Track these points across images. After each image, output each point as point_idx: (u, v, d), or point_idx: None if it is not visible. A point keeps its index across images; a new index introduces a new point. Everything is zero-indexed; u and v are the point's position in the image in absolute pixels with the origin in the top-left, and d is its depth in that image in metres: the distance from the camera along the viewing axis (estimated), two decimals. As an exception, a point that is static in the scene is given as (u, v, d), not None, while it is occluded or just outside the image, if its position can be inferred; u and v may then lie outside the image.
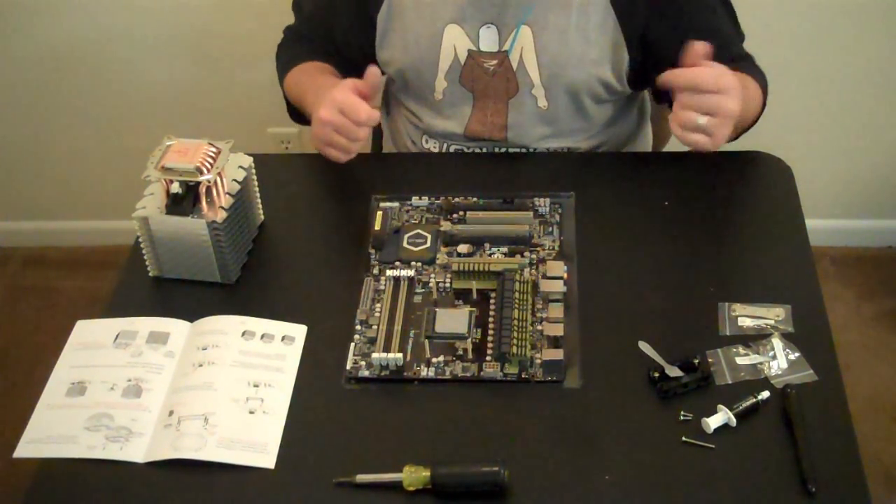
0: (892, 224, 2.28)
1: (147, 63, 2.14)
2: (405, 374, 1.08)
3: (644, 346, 1.07)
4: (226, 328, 1.13)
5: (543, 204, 1.25)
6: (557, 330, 1.10)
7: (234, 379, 1.08)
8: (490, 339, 1.10)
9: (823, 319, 1.11)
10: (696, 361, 1.04)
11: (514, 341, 1.07)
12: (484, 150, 1.40)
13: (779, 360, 1.06)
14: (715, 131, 1.15)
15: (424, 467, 0.97)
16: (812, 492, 0.94)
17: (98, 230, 2.39)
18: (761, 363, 1.06)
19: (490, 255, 1.20)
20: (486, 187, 1.29)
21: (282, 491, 0.99)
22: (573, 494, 0.97)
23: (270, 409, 1.06)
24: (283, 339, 1.13)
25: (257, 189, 1.26)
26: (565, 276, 1.16)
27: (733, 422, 1.00)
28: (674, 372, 1.04)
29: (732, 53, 1.32)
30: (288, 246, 1.28)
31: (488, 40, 1.30)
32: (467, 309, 1.13)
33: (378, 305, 1.15)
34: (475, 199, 1.27)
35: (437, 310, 1.13)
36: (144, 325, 1.15)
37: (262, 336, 1.13)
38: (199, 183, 1.14)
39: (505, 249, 1.20)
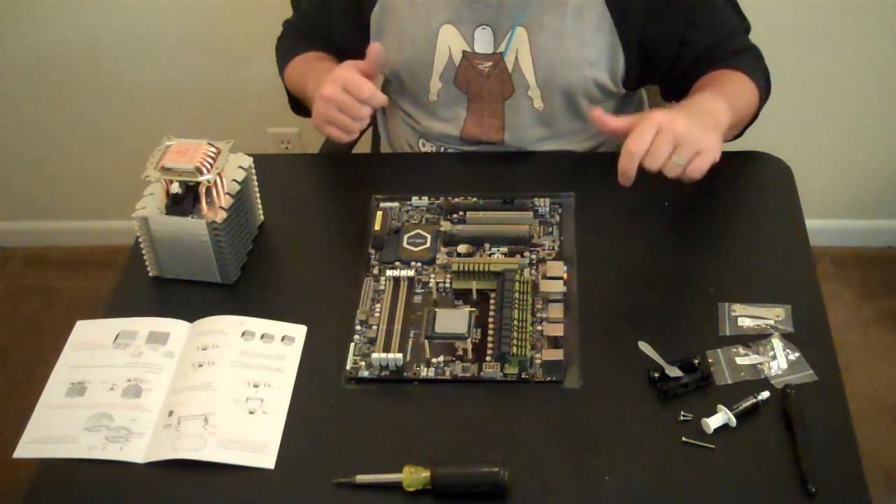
0: (892, 224, 2.28)
1: (147, 63, 2.14)
2: (405, 374, 1.08)
3: (644, 346, 1.07)
4: (225, 328, 1.13)
5: (543, 204, 1.25)
6: (557, 330, 1.10)
7: (233, 379, 1.08)
8: (490, 339, 1.10)
9: (823, 319, 1.11)
10: (696, 361, 1.04)
11: (514, 341, 1.07)
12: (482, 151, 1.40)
13: (779, 361, 1.06)
14: (695, 162, 1.11)
15: (424, 468, 0.97)
16: (812, 492, 0.94)
17: (98, 230, 2.38)
18: (761, 363, 1.06)
19: (490, 255, 1.20)
20: (485, 187, 1.29)
21: (282, 491, 1.00)
22: (573, 494, 0.97)
23: (270, 410, 1.06)
24: (282, 339, 1.13)
25: (257, 189, 1.26)
26: (565, 276, 1.16)
27: (733, 422, 1.00)
28: (674, 372, 1.04)
29: (731, 47, 1.32)
30: (288, 246, 1.28)
31: (483, 42, 1.30)
32: (467, 309, 1.13)
33: (378, 305, 1.15)
34: (475, 199, 1.27)
35: (437, 310, 1.13)
36: (144, 325, 1.15)
37: (262, 336, 1.13)
38: (198, 183, 1.14)
39: (505, 249, 1.20)
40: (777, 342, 1.08)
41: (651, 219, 1.25)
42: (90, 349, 1.13)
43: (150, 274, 1.22)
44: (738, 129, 1.32)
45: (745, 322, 1.10)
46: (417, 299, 1.16)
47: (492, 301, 1.14)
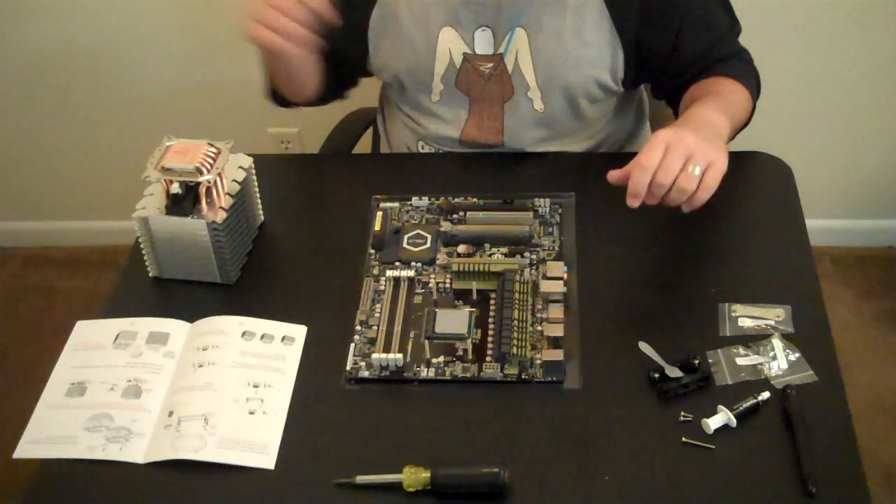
0: (892, 224, 2.28)
1: (147, 63, 2.14)
2: (405, 374, 1.08)
3: (644, 347, 1.07)
4: (226, 329, 1.13)
5: (543, 204, 1.25)
6: (557, 330, 1.10)
7: (233, 379, 1.08)
8: (490, 339, 1.10)
9: (823, 319, 1.11)
10: (696, 362, 1.04)
11: (515, 342, 1.07)
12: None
13: (779, 361, 1.06)
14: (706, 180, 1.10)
15: (424, 468, 0.97)
16: (812, 492, 0.94)
17: (98, 230, 2.38)
18: (761, 363, 1.06)
19: (490, 255, 1.20)
20: (486, 188, 1.29)
21: (282, 491, 0.99)
22: (573, 494, 0.97)
23: (270, 410, 1.06)
24: (282, 339, 1.13)
25: (257, 189, 1.26)
26: (565, 276, 1.16)
27: (733, 422, 1.00)
28: (674, 372, 1.04)
29: (724, 51, 1.32)
30: (288, 246, 1.28)
31: (483, 43, 1.30)
32: (467, 309, 1.13)
33: (378, 306, 1.15)
34: (475, 199, 1.27)
35: (437, 310, 1.13)
36: (144, 325, 1.15)
37: (262, 336, 1.13)
38: (199, 183, 1.14)
39: (505, 250, 1.20)
40: (777, 342, 1.08)
41: (651, 219, 1.24)
42: (90, 349, 1.13)
43: (150, 274, 1.22)
44: (733, 137, 1.32)
45: (745, 322, 1.10)
46: (417, 300, 1.16)
47: (492, 301, 1.14)
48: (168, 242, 1.18)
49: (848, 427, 1.00)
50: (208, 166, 1.14)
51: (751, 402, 1.01)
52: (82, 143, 2.28)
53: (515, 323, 1.09)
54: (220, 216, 1.16)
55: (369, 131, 1.67)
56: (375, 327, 1.13)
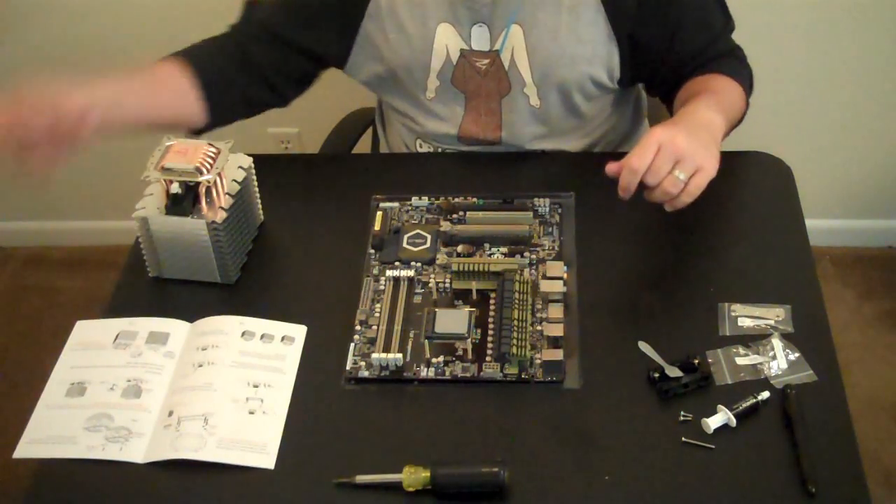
0: (892, 224, 2.28)
1: (147, 63, 2.14)
2: (405, 374, 1.08)
3: (644, 346, 1.07)
4: (225, 328, 1.13)
5: (543, 204, 1.25)
6: (557, 330, 1.10)
7: (233, 379, 1.08)
8: (490, 339, 1.10)
9: (823, 319, 1.11)
10: (696, 361, 1.04)
11: (514, 342, 1.07)
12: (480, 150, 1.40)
13: (779, 361, 1.06)
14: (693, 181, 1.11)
15: (424, 468, 0.97)
16: (812, 492, 0.94)
17: (98, 230, 2.38)
18: (761, 363, 1.06)
19: (490, 255, 1.20)
20: (485, 187, 1.29)
21: (282, 491, 1.00)
22: (573, 494, 0.97)
23: (270, 410, 1.06)
24: (282, 339, 1.13)
25: (257, 189, 1.26)
26: (565, 276, 1.16)
27: (733, 422, 1.00)
28: (674, 372, 1.04)
29: (718, 49, 1.32)
30: (288, 246, 1.28)
31: (480, 39, 1.30)
32: (467, 309, 1.13)
33: (378, 306, 1.15)
34: (475, 199, 1.27)
35: (436, 310, 1.13)
36: (144, 325, 1.15)
37: (262, 336, 1.13)
38: (198, 183, 1.14)
39: (505, 250, 1.20)
40: (777, 342, 1.08)
41: (651, 219, 1.24)
42: (90, 349, 1.13)
43: (150, 274, 1.22)
44: (727, 135, 1.32)
45: (745, 322, 1.10)
46: (417, 299, 1.16)
47: (492, 301, 1.14)
48: (168, 242, 1.18)
49: (848, 427, 1.00)
50: (208, 166, 1.14)
51: (750, 401, 1.01)
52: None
53: (515, 323, 1.09)
54: (220, 216, 1.16)
55: (369, 131, 1.67)
56: (375, 327, 1.13)
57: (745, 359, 1.06)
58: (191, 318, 1.16)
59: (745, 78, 1.33)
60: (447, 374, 1.08)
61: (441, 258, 1.20)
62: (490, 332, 1.10)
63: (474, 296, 1.15)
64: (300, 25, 1.34)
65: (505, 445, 1.01)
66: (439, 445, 1.02)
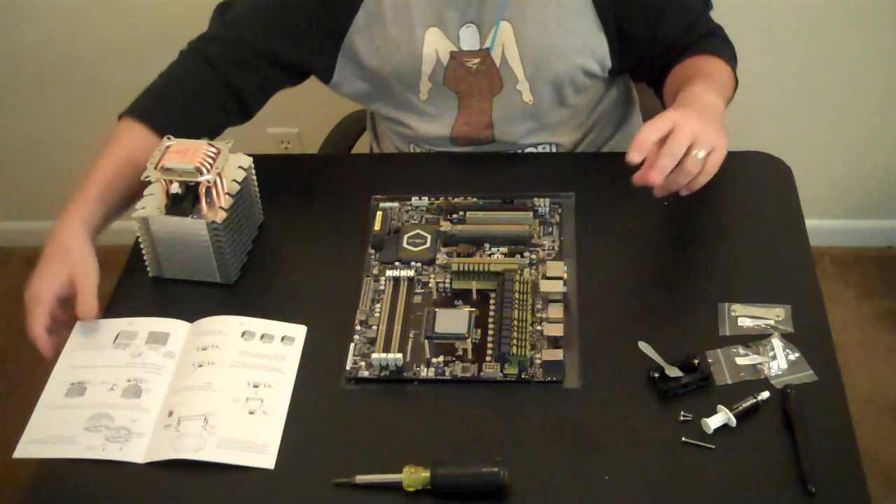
0: (892, 224, 2.28)
1: (147, 62, 2.14)
2: (405, 374, 1.08)
3: (644, 346, 1.07)
4: (225, 328, 1.13)
5: (543, 204, 1.25)
6: (557, 330, 1.10)
7: (233, 379, 1.08)
8: (490, 339, 1.10)
9: (823, 319, 1.11)
10: (696, 361, 1.04)
11: (514, 342, 1.07)
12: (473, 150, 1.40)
13: (779, 361, 1.06)
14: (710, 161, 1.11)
15: (424, 468, 0.97)
16: (812, 492, 0.94)
17: (98, 230, 2.38)
18: (761, 363, 1.06)
19: (490, 255, 1.20)
20: (485, 187, 1.29)
21: (282, 491, 0.99)
22: (573, 494, 0.97)
23: (270, 410, 1.06)
24: (282, 339, 1.13)
25: (257, 189, 1.26)
26: (565, 276, 1.16)
27: (733, 422, 1.00)
28: (674, 372, 1.04)
29: (700, 31, 1.33)
30: (288, 246, 1.28)
31: (469, 40, 1.30)
32: (467, 309, 1.13)
33: (378, 306, 1.15)
34: (475, 199, 1.27)
35: (436, 310, 1.13)
36: (144, 325, 1.15)
37: (262, 336, 1.13)
38: (198, 183, 1.14)
39: (505, 250, 1.20)
40: (777, 342, 1.08)
41: (651, 219, 1.25)
42: (90, 349, 1.13)
43: (150, 274, 1.22)
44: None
45: (745, 322, 1.10)
46: (417, 299, 1.16)
47: (492, 301, 1.14)
48: (168, 242, 1.18)
49: (848, 427, 1.00)
50: (208, 166, 1.14)
51: (750, 401, 1.01)
52: (82, 143, 2.27)
53: (515, 323, 1.09)
54: (220, 216, 1.16)
55: (365, 134, 1.66)
56: (375, 327, 1.13)
57: (745, 359, 1.06)
58: (191, 318, 1.16)
59: (730, 56, 1.34)
60: (447, 374, 1.07)
61: (441, 258, 1.20)
62: (490, 332, 1.10)
63: (474, 296, 1.15)
64: (285, 39, 1.31)
65: (505, 445, 1.01)
66: (439, 445, 1.02)
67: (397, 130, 1.44)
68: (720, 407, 1.01)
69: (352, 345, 1.11)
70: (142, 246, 1.20)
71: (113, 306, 1.19)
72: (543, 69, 1.31)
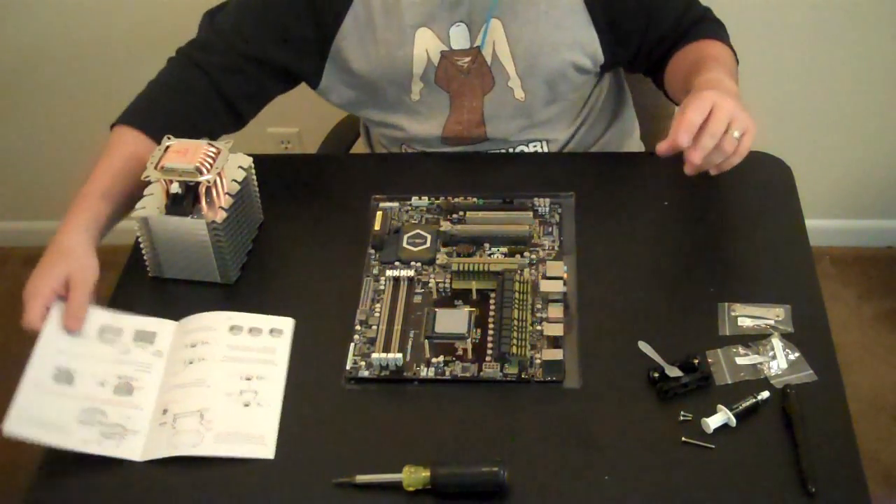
0: (892, 224, 2.28)
1: (147, 63, 2.13)
2: (405, 374, 1.08)
3: (644, 346, 1.07)
4: (213, 324, 1.13)
5: (543, 204, 1.25)
6: (557, 330, 1.10)
7: (225, 373, 1.08)
8: (490, 339, 1.10)
9: (823, 319, 1.11)
10: (696, 361, 1.04)
11: (514, 341, 1.07)
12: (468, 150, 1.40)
13: (779, 360, 1.06)
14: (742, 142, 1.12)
15: (424, 467, 0.97)
16: (812, 492, 0.94)
17: (98, 230, 2.38)
18: (761, 363, 1.06)
19: (490, 255, 1.20)
20: (485, 187, 1.29)
21: (282, 491, 0.99)
22: (573, 494, 0.97)
23: (265, 401, 1.06)
24: (271, 331, 1.13)
25: (257, 189, 1.26)
26: (565, 276, 1.16)
27: (733, 422, 1.00)
28: (674, 372, 1.04)
29: (693, 17, 1.33)
30: (288, 246, 1.28)
31: (459, 39, 1.30)
32: (467, 309, 1.13)
33: (378, 305, 1.15)
34: (475, 199, 1.27)
35: (436, 310, 1.13)
36: (129, 322, 1.13)
37: (251, 330, 1.13)
38: (198, 183, 1.14)
39: (505, 249, 1.20)
40: (777, 342, 1.08)
41: (651, 219, 1.25)
42: (74, 335, 1.11)
43: (150, 274, 1.22)
44: None
45: (745, 322, 1.10)
46: (417, 299, 1.16)
47: (492, 301, 1.14)
48: (168, 242, 1.18)
49: (848, 427, 1.00)
50: (208, 166, 1.14)
51: (750, 401, 1.01)
52: (82, 143, 2.27)
53: (515, 322, 1.09)
54: (220, 216, 1.16)
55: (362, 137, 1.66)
56: (375, 327, 1.13)
57: (745, 359, 1.06)
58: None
59: (727, 39, 1.34)
60: (447, 374, 1.07)
61: (441, 258, 1.20)
62: (490, 332, 1.10)
63: (474, 296, 1.15)
64: (274, 43, 1.31)
65: (505, 445, 1.01)
66: (439, 445, 1.02)
67: (388, 134, 1.43)
68: (720, 407, 1.01)
69: (352, 344, 1.11)
70: (142, 246, 1.20)
71: (112, 306, 1.19)
72: (535, 66, 1.31)
